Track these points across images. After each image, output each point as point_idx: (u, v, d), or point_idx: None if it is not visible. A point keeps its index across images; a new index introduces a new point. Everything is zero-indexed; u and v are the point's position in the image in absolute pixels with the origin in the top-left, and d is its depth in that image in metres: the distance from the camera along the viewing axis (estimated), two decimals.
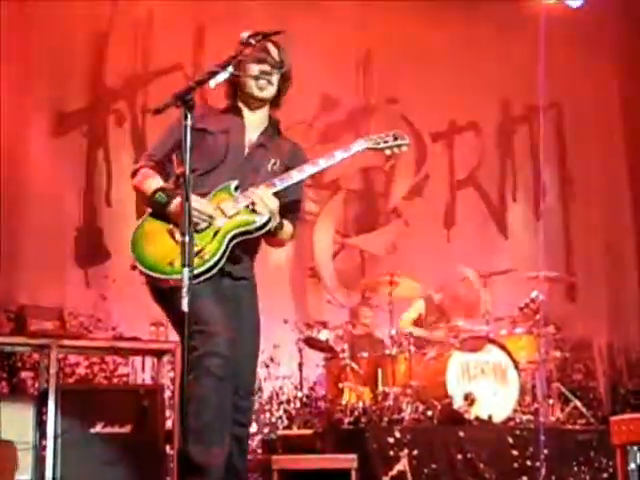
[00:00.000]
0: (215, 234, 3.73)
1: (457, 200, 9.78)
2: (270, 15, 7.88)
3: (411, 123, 9.51)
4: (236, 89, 4.00)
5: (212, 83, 3.41)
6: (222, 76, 3.41)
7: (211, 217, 3.74)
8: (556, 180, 10.27)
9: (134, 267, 3.75)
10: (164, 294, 3.68)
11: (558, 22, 9.58)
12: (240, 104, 4.03)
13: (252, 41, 3.56)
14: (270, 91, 3.97)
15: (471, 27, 9.43)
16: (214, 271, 3.69)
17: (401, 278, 7.43)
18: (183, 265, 3.15)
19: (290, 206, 3.97)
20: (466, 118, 9.82)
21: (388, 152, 4.06)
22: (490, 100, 9.87)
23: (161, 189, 3.78)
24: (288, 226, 3.97)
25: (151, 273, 3.67)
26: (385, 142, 4.04)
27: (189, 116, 3.24)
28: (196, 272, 3.48)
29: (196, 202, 3.68)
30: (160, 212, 3.77)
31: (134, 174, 3.96)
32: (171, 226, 3.73)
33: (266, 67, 3.92)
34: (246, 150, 3.97)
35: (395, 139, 4.06)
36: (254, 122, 4.03)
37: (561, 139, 10.38)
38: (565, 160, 10.34)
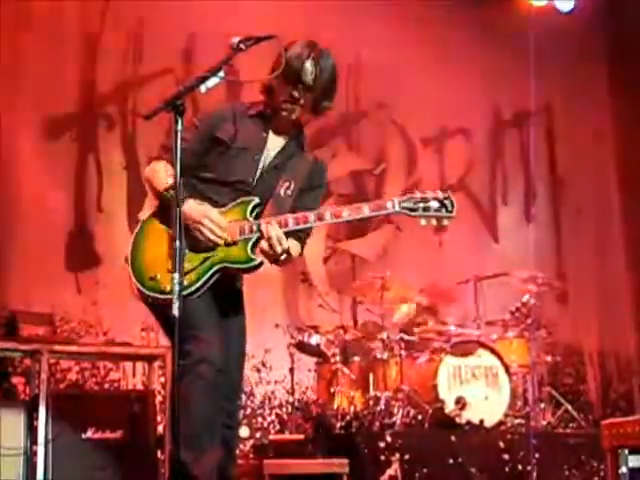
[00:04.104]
0: (205, 260, 3.63)
1: None
2: (261, 19, 7.88)
3: (402, 127, 9.52)
4: (271, 92, 3.82)
5: (203, 88, 3.41)
6: (213, 81, 3.41)
7: (219, 240, 3.61)
8: (546, 184, 10.29)
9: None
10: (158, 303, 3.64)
11: (548, 25, 9.64)
12: (270, 111, 3.86)
13: (243, 46, 3.55)
14: (296, 113, 3.81)
15: (461, 31, 9.45)
16: (191, 297, 3.58)
17: (392, 284, 7.43)
18: (173, 270, 3.13)
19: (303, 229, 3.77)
20: (456, 122, 9.83)
21: (423, 222, 3.66)
22: (481, 104, 9.89)
23: (172, 187, 3.51)
24: (297, 246, 3.80)
25: (135, 281, 3.65)
26: (425, 209, 3.63)
27: (180, 121, 3.24)
28: (167, 296, 3.25)
29: (217, 217, 3.62)
30: (167, 211, 3.52)
31: (149, 162, 3.82)
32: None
33: (295, 92, 3.74)
34: (259, 171, 3.81)
35: (441, 206, 3.66)
36: (278, 132, 3.89)
37: (551, 143, 10.40)
38: (555, 164, 10.37)
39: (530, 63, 9.58)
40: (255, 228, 3.64)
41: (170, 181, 3.59)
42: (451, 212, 3.66)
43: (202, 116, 3.88)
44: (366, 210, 3.63)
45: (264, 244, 3.60)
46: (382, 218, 9.31)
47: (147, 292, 3.60)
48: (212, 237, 3.62)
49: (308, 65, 3.69)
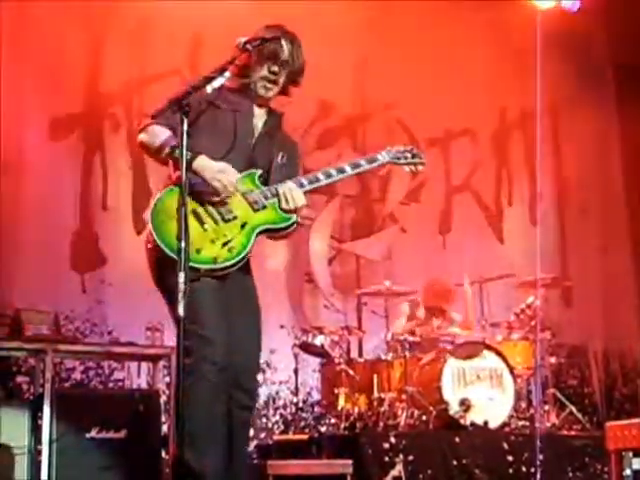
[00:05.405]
0: (243, 226, 3.76)
1: (453, 205, 9.79)
2: (267, 20, 7.86)
3: (407, 128, 9.51)
4: (247, 72, 3.93)
5: (209, 88, 3.42)
6: (218, 81, 3.42)
7: (231, 193, 3.73)
8: (552, 184, 10.28)
9: (152, 244, 3.68)
10: (170, 275, 3.44)
11: (553, 26, 9.62)
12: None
13: (249, 46, 3.57)
14: (274, 91, 3.96)
15: (468, 32, 9.44)
16: (240, 264, 3.72)
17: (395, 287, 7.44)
18: (179, 270, 3.13)
19: None
20: (462, 124, 9.82)
21: (407, 169, 4.21)
22: (486, 105, 9.88)
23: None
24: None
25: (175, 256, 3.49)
26: (405, 158, 4.17)
27: (185, 121, 3.24)
28: (223, 265, 3.64)
29: (226, 171, 3.73)
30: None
31: (141, 130, 3.91)
32: (197, 206, 3.69)
33: (275, 67, 3.91)
34: (255, 136, 3.97)
35: (413, 157, 4.20)
36: (259, 106, 4.03)
37: (557, 143, 10.39)
38: (561, 164, 10.35)
39: (535, 64, 9.58)
40: (274, 191, 3.85)
41: (172, 142, 3.70)
42: (422, 158, 4.26)
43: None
44: (363, 162, 4.10)
45: (284, 203, 3.81)
46: (386, 218, 9.32)
47: (197, 265, 3.57)
48: (228, 185, 3.73)
49: (284, 42, 3.96)
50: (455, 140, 9.88)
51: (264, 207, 3.82)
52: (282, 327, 7.45)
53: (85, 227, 7.99)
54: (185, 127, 3.23)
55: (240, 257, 3.71)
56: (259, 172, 3.89)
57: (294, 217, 3.85)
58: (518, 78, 9.55)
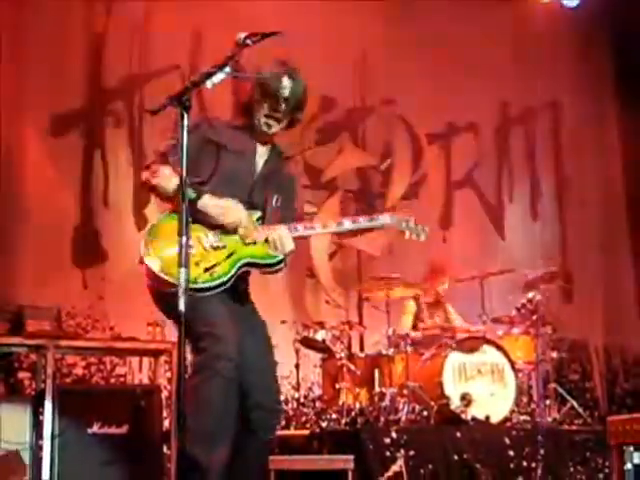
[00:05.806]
0: (229, 255, 3.81)
1: (454, 201, 9.79)
2: (268, 15, 7.88)
3: (408, 124, 9.51)
4: (251, 110, 3.98)
5: (209, 84, 3.42)
6: (219, 77, 3.42)
7: (241, 224, 3.82)
8: (552, 180, 10.28)
9: (142, 262, 3.75)
10: (169, 296, 3.56)
11: (554, 22, 9.63)
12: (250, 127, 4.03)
13: (249, 42, 3.56)
14: (277, 128, 3.98)
15: (469, 28, 9.43)
16: (218, 290, 3.74)
17: (396, 283, 7.43)
18: (179, 266, 3.15)
19: None
20: (463, 119, 9.82)
21: (407, 236, 4.23)
22: (487, 101, 9.87)
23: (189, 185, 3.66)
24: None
25: (165, 277, 3.64)
26: (406, 223, 4.20)
27: (186, 117, 3.25)
28: (202, 286, 3.67)
29: (237, 206, 3.84)
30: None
31: (146, 168, 3.93)
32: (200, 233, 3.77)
33: (276, 104, 3.91)
34: (254, 176, 4.01)
35: (416, 225, 4.22)
36: (261, 147, 4.07)
37: (557, 139, 10.39)
38: (561, 161, 10.35)
39: (537, 60, 9.60)
40: (266, 230, 3.89)
41: (177, 181, 3.64)
42: (424, 227, 4.28)
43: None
44: (362, 220, 4.15)
45: (273, 249, 3.87)
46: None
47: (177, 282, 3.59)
48: (235, 221, 3.82)
49: (285, 80, 3.91)
50: (456, 135, 9.87)
51: (254, 243, 3.88)
52: (283, 322, 7.44)
53: (86, 223, 7.99)
54: (185, 122, 3.23)
55: (219, 281, 3.74)
56: (258, 214, 3.95)
57: (281, 256, 3.89)
58: (520, 74, 9.59)
